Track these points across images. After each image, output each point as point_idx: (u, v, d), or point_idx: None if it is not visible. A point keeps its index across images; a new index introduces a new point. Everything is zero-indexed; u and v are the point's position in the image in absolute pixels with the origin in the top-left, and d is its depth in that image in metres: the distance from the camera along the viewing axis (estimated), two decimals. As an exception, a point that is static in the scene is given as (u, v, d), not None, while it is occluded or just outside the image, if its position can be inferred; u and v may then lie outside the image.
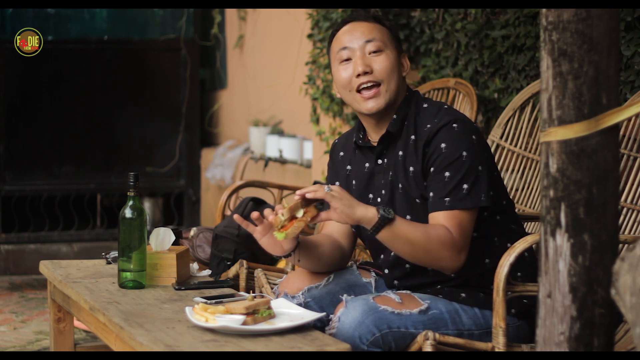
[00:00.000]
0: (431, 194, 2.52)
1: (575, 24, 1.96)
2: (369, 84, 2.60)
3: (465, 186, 2.48)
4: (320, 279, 2.69)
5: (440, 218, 2.49)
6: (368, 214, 2.41)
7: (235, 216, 2.52)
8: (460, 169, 2.49)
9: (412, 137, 2.58)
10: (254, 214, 2.50)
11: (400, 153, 2.60)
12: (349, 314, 2.42)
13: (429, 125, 2.55)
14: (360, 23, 2.65)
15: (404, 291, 2.56)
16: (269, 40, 5.95)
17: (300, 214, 2.43)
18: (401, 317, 2.45)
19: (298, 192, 2.43)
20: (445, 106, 2.61)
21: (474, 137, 2.53)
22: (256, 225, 2.52)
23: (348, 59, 2.62)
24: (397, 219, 2.43)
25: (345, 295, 2.51)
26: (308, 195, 2.41)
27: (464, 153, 2.50)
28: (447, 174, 2.50)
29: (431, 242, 2.44)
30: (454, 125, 2.52)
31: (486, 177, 2.52)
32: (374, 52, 2.61)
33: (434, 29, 4.40)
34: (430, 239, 2.44)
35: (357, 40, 2.62)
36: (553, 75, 1.99)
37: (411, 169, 2.57)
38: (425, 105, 2.63)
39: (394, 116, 2.62)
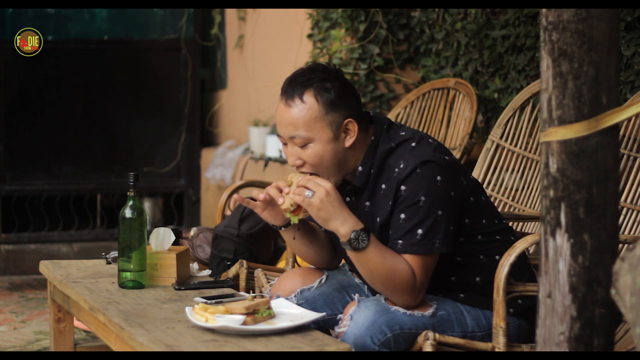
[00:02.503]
0: (390, 231, 2.50)
1: (575, 24, 1.96)
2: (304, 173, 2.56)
3: (419, 231, 2.43)
4: (313, 280, 2.70)
5: (404, 258, 2.46)
6: (341, 230, 2.41)
7: (235, 196, 2.60)
8: (416, 213, 2.44)
9: (383, 186, 2.52)
10: (259, 195, 2.55)
11: (367, 204, 2.56)
12: (362, 313, 2.42)
13: (396, 170, 2.48)
14: (285, 109, 2.52)
15: None
16: (269, 40, 5.95)
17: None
18: (413, 318, 2.46)
19: (291, 194, 2.47)
20: (413, 144, 2.51)
21: (438, 178, 2.45)
22: (255, 201, 2.58)
23: (285, 144, 2.57)
24: (367, 250, 2.41)
25: (357, 295, 2.52)
26: (291, 197, 2.45)
27: (422, 198, 2.43)
28: (402, 215, 2.45)
29: (392, 281, 2.43)
30: (418, 170, 2.44)
31: (445, 222, 2.45)
32: (301, 146, 2.52)
33: (434, 29, 4.40)
34: (393, 278, 2.42)
35: (283, 132, 2.54)
36: (553, 75, 1.99)
37: (378, 219, 2.53)
38: (393, 145, 2.53)
39: (360, 168, 2.55)
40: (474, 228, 2.56)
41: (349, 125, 2.52)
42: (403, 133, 2.56)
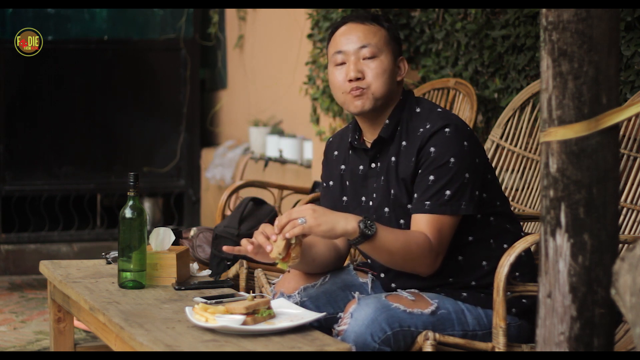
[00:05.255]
0: (415, 194, 2.53)
1: (575, 24, 1.96)
2: (359, 88, 2.59)
3: (447, 192, 2.48)
4: (317, 278, 2.70)
5: (421, 221, 2.49)
6: (349, 228, 2.40)
7: (225, 248, 2.53)
8: (445, 174, 2.49)
9: (404, 142, 2.58)
10: (248, 247, 2.49)
11: (393, 159, 2.59)
12: (362, 310, 2.42)
13: (421, 129, 2.54)
14: (357, 25, 2.62)
15: (412, 289, 2.56)
16: (269, 40, 5.95)
17: (293, 239, 2.44)
18: (412, 316, 2.46)
19: (281, 236, 2.41)
20: (439, 109, 2.59)
21: (465, 143, 2.52)
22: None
23: (342, 63, 2.61)
24: (378, 232, 2.41)
25: (357, 293, 2.52)
26: (287, 236, 2.40)
27: (452, 159, 2.49)
28: (431, 177, 2.50)
29: (410, 252, 2.45)
30: (447, 129, 2.51)
31: (471, 185, 2.51)
32: (368, 57, 2.59)
33: (434, 29, 4.40)
34: (410, 248, 2.45)
35: (352, 44, 2.60)
36: (553, 75, 1.99)
37: (402, 176, 2.57)
38: (418, 110, 2.61)
39: (387, 121, 2.61)
40: (489, 206, 2.59)
41: (401, 64, 2.64)
42: (428, 101, 2.67)
